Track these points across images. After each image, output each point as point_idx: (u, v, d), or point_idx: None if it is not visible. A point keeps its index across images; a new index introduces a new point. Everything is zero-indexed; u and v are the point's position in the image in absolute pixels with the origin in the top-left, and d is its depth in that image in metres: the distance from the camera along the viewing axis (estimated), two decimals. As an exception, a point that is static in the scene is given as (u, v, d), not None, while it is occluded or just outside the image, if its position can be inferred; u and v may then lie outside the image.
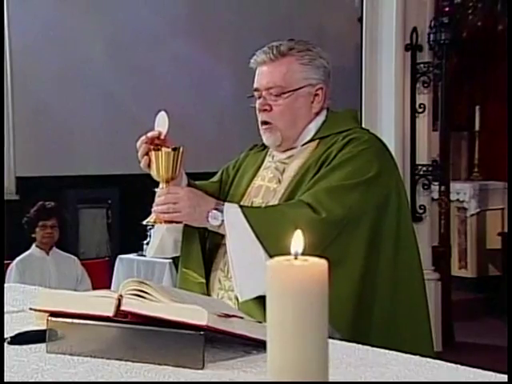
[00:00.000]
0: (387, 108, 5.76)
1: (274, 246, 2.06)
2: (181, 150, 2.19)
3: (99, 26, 7.50)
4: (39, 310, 1.68)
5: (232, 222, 2.16)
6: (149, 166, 2.23)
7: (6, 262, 5.32)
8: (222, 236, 2.23)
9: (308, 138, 2.35)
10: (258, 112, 2.36)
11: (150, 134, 2.24)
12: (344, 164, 2.21)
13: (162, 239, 2.41)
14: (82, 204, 7.54)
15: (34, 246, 5.39)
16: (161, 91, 7.54)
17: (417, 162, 5.88)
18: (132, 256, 6.22)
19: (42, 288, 2.49)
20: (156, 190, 2.23)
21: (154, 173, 2.22)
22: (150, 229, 5.78)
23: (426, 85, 5.84)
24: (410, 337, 2.21)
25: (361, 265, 2.15)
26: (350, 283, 2.13)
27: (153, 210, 2.21)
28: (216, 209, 2.18)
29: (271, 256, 1.93)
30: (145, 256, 6.02)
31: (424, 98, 5.87)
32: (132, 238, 6.37)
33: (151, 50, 7.72)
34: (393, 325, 2.20)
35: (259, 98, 2.34)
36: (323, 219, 2.12)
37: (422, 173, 5.90)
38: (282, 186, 2.31)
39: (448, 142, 6.32)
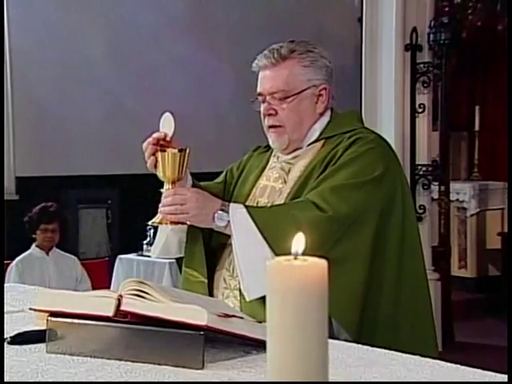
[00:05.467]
0: (387, 108, 5.75)
1: (280, 246, 2.05)
2: (187, 151, 2.19)
3: (99, 25, 7.50)
4: (39, 310, 1.67)
5: (238, 222, 2.15)
6: (155, 166, 2.23)
7: (5, 261, 5.32)
8: (228, 235, 2.22)
9: (313, 138, 2.35)
10: (262, 116, 2.35)
11: (155, 135, 2.24)
12: (350, 163, 2.22)
13: (166, 239, 2.41)
14: (82, 204, 7.53)
15: (33, 245, 5.39)
16: (161, 91, 7.54)
17: (417, 162, 5.88)
18: (132, 256, 6.21)
19: (41, 288, 2.49)
20: (162, 190, 2.23)
21: (160, 174, 2.23)
22: (150, 229, 5.82)
23: (425, 85, 5.84)
24: (415, 339, 2.20)
25: (367, 263, 2.14)
26: (356, 282, 2.13)
27: (159, 210, 2.21)
28: (222, 209, 2.17)
29: (278, 255, 1.93)
30: (144, 256, 6.03)
31: (424, 98, 5.87)
32: (132, 238, 6.37)
33: (151, 49, 7.72)
34: (397, 325, 2.20)
35: (263, 102, 2.33)
36: (329, 217, 2.12)
37: (421, 173, 5.90)
38: (288, 185, 2.31)
39: (448, 142, 6.32)
